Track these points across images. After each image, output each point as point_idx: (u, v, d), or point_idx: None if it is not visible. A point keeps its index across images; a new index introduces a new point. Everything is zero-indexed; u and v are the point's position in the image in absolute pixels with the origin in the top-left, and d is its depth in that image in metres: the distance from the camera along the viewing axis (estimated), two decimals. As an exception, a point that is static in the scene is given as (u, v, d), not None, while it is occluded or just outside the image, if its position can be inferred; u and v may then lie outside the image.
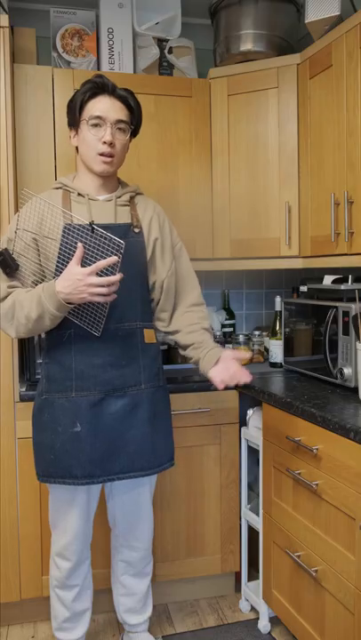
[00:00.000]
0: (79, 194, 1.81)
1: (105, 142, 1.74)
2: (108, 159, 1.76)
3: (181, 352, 1.94)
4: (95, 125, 1.74)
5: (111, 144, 1.75)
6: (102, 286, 1.62)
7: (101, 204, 1.83)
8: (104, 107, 1.74)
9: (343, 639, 1.72)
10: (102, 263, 1.61)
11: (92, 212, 1.80)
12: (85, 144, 1.77)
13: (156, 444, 1.85)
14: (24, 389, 2.18)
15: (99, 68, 2.47)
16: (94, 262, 1.69)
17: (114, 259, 1.61)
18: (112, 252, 1.70)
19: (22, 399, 2.16)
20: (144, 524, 1.96)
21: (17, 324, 1.74)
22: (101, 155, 1.75)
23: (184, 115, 2.48)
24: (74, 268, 1.63)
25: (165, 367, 2.57)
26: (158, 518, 2.31)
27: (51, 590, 1.95)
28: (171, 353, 2.63)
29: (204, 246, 2.53)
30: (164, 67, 2.56)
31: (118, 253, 1.67)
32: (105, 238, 1.70)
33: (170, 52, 2.55)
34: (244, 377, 1.79)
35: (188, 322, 1.92)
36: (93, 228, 1.69)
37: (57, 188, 1.85)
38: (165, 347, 2.63)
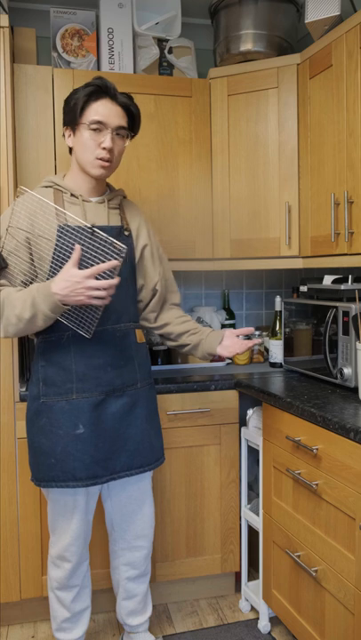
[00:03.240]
0: (72, 194, 1.81)
1: (104, 148, 1.74)
2: (106, 164, 1.77)
3: (170, 344, 2.01)
4: (95, 130, 1.74)
5: (110, 150, 1.75)
6: (101, 289, 1.62)
7: (94, 205, 1.83)
8: (105, 112, 1.74)
9: (343, 639, 1.72)
10: (104, 266, 1.59)
11: (87, 213, 1.80)
12: (84, 147, 1.76)
13: (152, 440, 1.90)
14: (24, 389, 2.18)
15: (99, 68, 2.47)
16: (91, 265, 1.68)
17: (115, 262, 1.60)
18: (111, 256, 1.69)
19: (22, 399, 2.16)
20: (146, 522, 1.96)
21: (6, 324, 1.71)
22: (100, 159, 1.75)
23: (184, 115, 2.48)
24: (72, 269, 1.62)
25: (165, 367, 2.58)
26: (158, 518, 2.31)
27: (49, 592, 1.94)
28: (171, 353, 2.63)
29: (204, 246, 2.53)
30: (164, 67, 2.56)
31: (120, 257, 1.67)
32: (105, 241, 1.69)
33: (170, 52, 2.55)
34: (254, 342, 1.91)
35: (176, 315, 2.00)
36: (94, 231, 1.69)
37: (47, 187, 1.84)
38: (165, 347, 2.63)
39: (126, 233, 1.86)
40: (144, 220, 1.95)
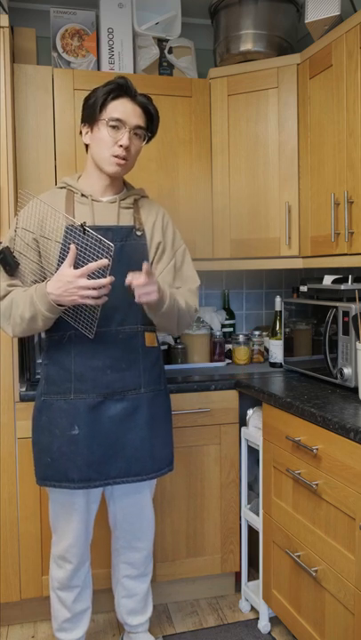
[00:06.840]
0: (82, 194, 1.81)
1: (121, 145, 1.74)
2: (122, 161, 1.77)
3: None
4: (114, 127, 1.74)
5: (127, 148, 1.75)
6: (93, 289, 1.62)
7: (105, 205, 1.82)
8: (125, 110, 1.74)
9: (343, 639, 1.72)
10: (92, 266, 1.61)
11: (95, 213, 1.80)
12: (101, 143, 1.76)
13: (155, 449, 1.84)
14: (24, 389, 2.18)
15: (99, 68, 2.47)
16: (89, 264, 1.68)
17: (104, 261, 1.61)
18: (104, 255, 1.69)
19: (22, 399, 2.16)
20: (146, 526, 1.96)
21: (13, 324, 1.74)
22: (115, 156, 1.75)
23: (184, 115, 2.48)
24: (65, 269, 1.63)
25: (165, 367, 2.57)
26: (158, 518, 2.31)
27: (51, 591, 1.94)
28: (171, 353, 2.63)
29: (204, 246, 2.53)
30: (164, 67, 2.56)
31: (108, 256, 1.67)
32: (96, 240, 1.69)
33: (170, 51, 2.55)
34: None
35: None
36: (85, 230, 1.69)
37: (61, 188, 1.86)
38: (165, 347, 2.63)
39: (138, 233, 1.83)
40: (161, 219, 1.89)
